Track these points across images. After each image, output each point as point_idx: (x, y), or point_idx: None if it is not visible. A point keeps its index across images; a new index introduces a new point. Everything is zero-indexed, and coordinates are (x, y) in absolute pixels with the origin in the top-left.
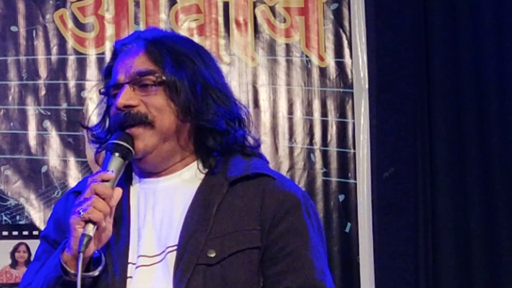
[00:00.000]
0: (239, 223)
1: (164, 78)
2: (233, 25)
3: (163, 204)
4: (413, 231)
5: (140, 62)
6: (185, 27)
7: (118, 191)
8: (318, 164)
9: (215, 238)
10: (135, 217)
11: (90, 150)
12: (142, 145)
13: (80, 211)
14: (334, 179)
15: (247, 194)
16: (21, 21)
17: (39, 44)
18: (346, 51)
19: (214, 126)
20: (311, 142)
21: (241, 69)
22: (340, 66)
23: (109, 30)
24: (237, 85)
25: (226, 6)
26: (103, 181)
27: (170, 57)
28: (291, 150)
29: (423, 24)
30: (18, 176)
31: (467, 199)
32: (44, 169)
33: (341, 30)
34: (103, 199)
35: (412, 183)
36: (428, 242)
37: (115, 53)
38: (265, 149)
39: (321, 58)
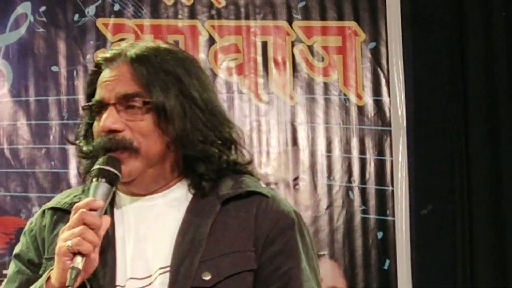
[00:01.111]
0: (233, 244)
1: (151, 101)
2: (271, 64)
3: (151, 223)
4: (451, 268)
5: (126, 82)
6: (224, 67)
7: (107, 220)
8: (357, 202)
9: (210, 259)
10: (121, 237)
11: None
12: (127, 170)
13: (69, 242)
14: (372, 216)
15: (240, 214)
16: (62, 61)
17: (80, 83)
18: (384, 89)
19: (204, 155)
20: (349, 180)
21: (279, 107)
22: (378, 104)
23: None
24: (276, 123)
25: (264, 45)
26: (91, 210)
27: (157, 78)
28: (329, 188)
29: (461, 62)
30: None
31: (506, 235)
32: None
33: (378, 69)
34: (92, 229)
35: (450, 220)
36: (467, 279)
37: (99, 67)
38: (304, 186)
39: (359, 97)
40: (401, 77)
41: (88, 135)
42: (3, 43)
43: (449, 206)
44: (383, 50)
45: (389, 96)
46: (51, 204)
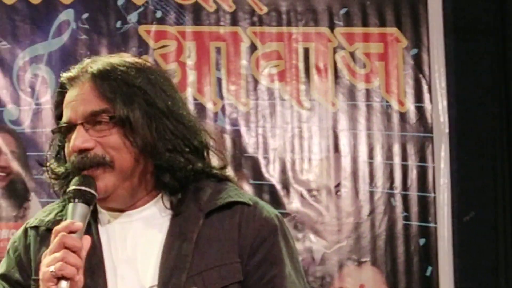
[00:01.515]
0: (219, 257)
1: (117, 116)
2: (313, 71)
3: (136, 239)
4: (494, 274)
5: (90, 100)
6: (266, 73)
7: (87, 241)
8: (399, 208)
9: (196, 274)
10: (108, 256)
11: None
12: (103, 186)
13: (52, 267)
14: (414, 223)
15: (223, 225)
16: None
17: None
18: (426, 95)
19: (171, 164)
20: (391, 187)
21: (321, 114)
22: (420, 110)
23: (191, 76)
24: (318, 130)
25: (306, 52)
26: (70, 232)
27: (120, 92)
28: (371, 194)
29: (503, 67)
30: None
31: None
32: None
33: (420, 75)
34: (74, 252)
35: (492, 226)
36: (510, 286)
37: (63, 87)
38: (346, 193)
39: (401, 103)
40: (443, 84)
41: (60, 156)
42: (46, 50)
43: (491, 212)
44: (425, 56)
45: (431, 102)
46: (33, 222)
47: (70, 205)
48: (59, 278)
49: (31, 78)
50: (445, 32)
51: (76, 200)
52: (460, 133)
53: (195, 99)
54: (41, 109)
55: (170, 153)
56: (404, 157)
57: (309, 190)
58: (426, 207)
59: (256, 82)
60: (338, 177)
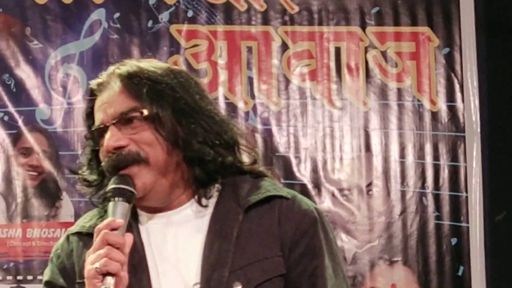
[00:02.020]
0: (261, 251)
1: (147, 112)
2: (344, 70)
3: (177, 239)
4: None
5: (121, 101)
6: (297, 72)
7: (130, 238)
8: (431, 208)
9: (239, 269)
10: (151, 256)
11: None
12: (141, 183)
13: (96, 264)
14: (446, 222)
15: (263, 220)
16: None
17: None
18: (458, 95)
19: (202, 156)
20: (423, 186)
21: (352, 113)
22: (452, 110)
23: (222, 75)
24: (349, 129)
25: (337, 51)
26: (112, 230)
27: (149, 89)
28: (403, 194)
29: None
30: None
31: None
32: None
33: (452, 74)
34: (117, 248)
35: None
36: None
37: (93, 94)
38: (378, 192)
39: (433, 102)
40: (475, 83)
41: (92, 164)
42: (78, 49)
43: None
44: (457, 55)
45: (463, 101)
46: (75, 229)
47: (110, 204)
48: (104, 274)
49: (63, 77)
50: (477, 30)
51: (116, 199)
52: (492, 132)
53: (226, 99)
54: (73, 108)
55: (200, 145)
56: (436, 157)
57: (341, 190)
58: (458, 207)
59: (287, 81)
60: (369, 176)
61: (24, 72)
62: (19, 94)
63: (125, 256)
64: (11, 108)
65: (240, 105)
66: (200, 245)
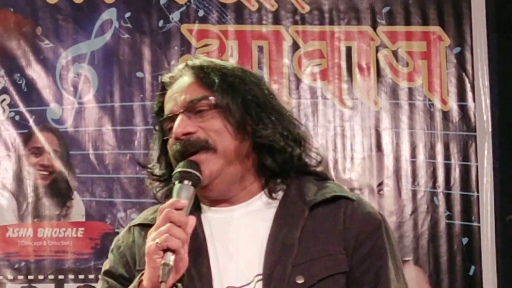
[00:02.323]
0: (324, 248)
1: (217, 101)
2: (355, 70)
3: (241, 232)
4: None
5: (191, 90)
6: (308, 72)
7: (192, 219)
8: (442, 207)
9: (302, 263)
10: (212, 247)
11: None
12: (207, 171)
13: (157, 240)
14: (457, 222)
15: (328, 218)
16: (147, 67)
17: None
18: (469, 94)
19: (271, 144)
20: (434, 186)
21: (363, 113)
22: (463, 109)
23: None
24: (360, 128)
25: (349, 50)
26: (176, 209)
27: (220, 79)
28: (414, 193)
29: None
30: None
31: None
32: None
33: (463, 74)
34: (179, 226)
35: None
36: None
37: (164, 88)
38: (388, 192)
39: (444, 102)
40: (486, 82)
41: (161, 157)
42: (89, 49)
43: None
44: (468, 55)
45: (474, 101)
46: (137, 221)
47: (176, 186)
48: (165, 250)
49: (74, 77)
50: (488, 30)
51: (182, 181)
52: (503, 131)
53: None
54: (84, 108)
55: (270, 133)
56: (447, 156)
57: (352, 189)
58: (469, 206)
59: (298, 81)
60: (380, 176)
61: (35, 72)
62: (30, 93)
63: (186, 235)
64: (22, 108)
65: None
66: (263, 238)
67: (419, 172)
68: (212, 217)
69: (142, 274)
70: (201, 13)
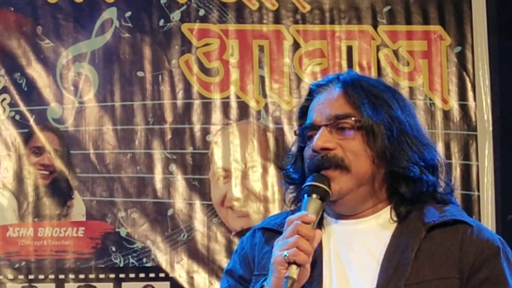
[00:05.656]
0: (438, 271)
1: (362, 122)
2: (356, 69)
3: (358, 246)
4: None
5: (338, 105)
6: (309, 71)
7: (319, 234)
8: None
9: (414, 284)
10: (327, 257)
11: (216, 193)
12: (337, 188)
13: (285, 252)
14: None
15: (445, 241)
16: (148, 66)
17: (165, 89)
18: (470, 93)
19: (408, 173)
20: None
21: None
22: (464, 108)
23: (234, 74)
24: None
25: (349, 50)
26: (304, 223)
27: (368, 101)
28: None
29: None
30: (144, 219)
31: None
32: (170, 212)
33: (464, 73)
34: (306, 240)
35: None
36: None
37: (311, 94)
38: None
39: (445, 101)
40: (487, 82)
41: (297, 161)
42: (89, 48)
43: None
44: (468, 54)
45: (474, 100)
46: (262, 224)
47: (306, 199)
48: (290, 263)
49: (74, 76)
50: (489, 29)
51: (311, 195)
52: (504, 131)
53: (238, 98)
54: (84, 107)
55: (407, 163)
56: (448, 155)
57: None
58: (469, 205)
59: (299, 80)
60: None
61: (36, 71)
62: (31, 93)
63: (312, 249)
64: (23, 107)
65: (252, 104)
66: (379, 255)
67: None
68: (333, 229)
69: (265, 280)
70: (201, 12)
